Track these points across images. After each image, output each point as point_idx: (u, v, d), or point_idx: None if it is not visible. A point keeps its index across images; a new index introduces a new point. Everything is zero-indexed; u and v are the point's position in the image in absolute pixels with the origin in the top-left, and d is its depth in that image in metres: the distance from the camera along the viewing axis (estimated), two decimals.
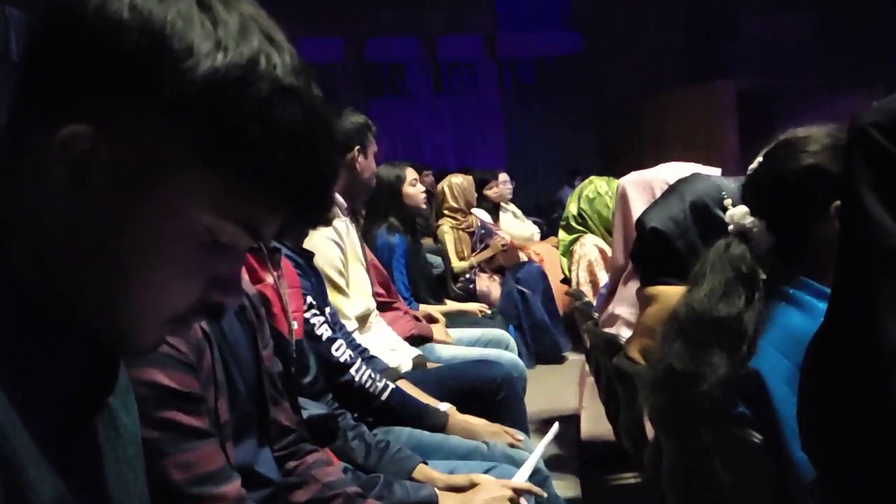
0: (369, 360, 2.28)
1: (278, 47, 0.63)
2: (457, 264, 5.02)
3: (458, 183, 5.13)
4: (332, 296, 2.35)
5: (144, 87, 0.59)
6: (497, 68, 10.71)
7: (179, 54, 0.59)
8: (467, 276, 5.02)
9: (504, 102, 10.79)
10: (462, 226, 5.15)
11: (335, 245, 2.46)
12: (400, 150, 10.04)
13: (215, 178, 0.61)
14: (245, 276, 1.33)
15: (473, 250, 5.16)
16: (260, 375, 1.27)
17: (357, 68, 9.90)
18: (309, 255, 2.06)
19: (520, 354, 4.72)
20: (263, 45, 0.62)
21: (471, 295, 4.83)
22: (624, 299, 2.36)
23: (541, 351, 4.92)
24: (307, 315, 1.94)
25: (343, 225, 2.54)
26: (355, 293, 2.60)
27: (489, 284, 5.02)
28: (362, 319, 2.64)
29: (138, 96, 0.59)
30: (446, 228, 5.08)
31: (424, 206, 3.90)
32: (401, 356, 2.67)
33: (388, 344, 2.70)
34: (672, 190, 2.03)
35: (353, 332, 2.41)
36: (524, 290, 5.04)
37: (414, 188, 3.76)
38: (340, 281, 2.48)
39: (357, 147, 2.44)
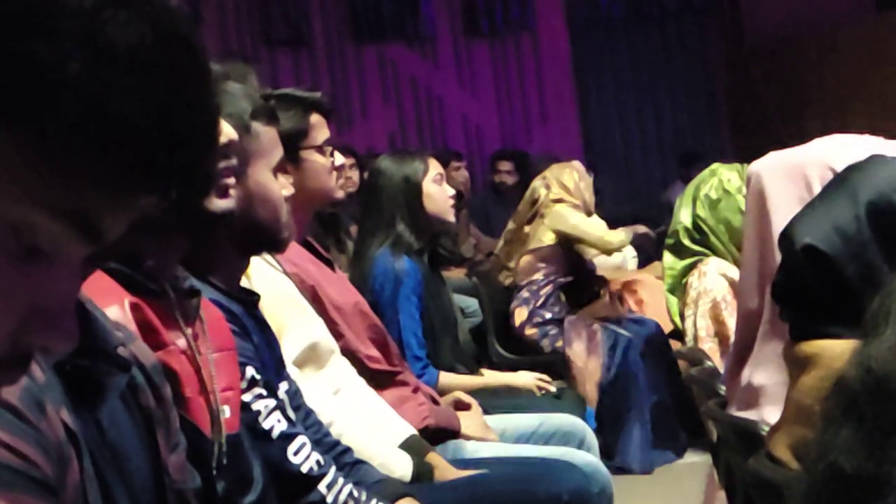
0: (352, 467, 2.29)
1: None
2: (609, 236, 5.36)
3: (570, 174, 5.46)
4: None
5: None
6: None
7: None
8: (550, 332, 5.21)
9: (576, 49, 10.73)
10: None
11: None
12: (412, 129, 10.07)
13: (18, 141, 0.61)
14: (137, 336, 1.34)
15: None
16: (162, 495, 1.26)
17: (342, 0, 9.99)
18: (250, 301, 2.08)
19: (620, 455, 4.83)
20: None
21: (557, 360, 5.01)
22: (766, 361, 2.37)
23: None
24: (247, 397, 1.95)
25: None
26: (284, 318, 2.58)
27: (580, 340, 5.13)
28: (311, 361, 2.64)
29: None
30: (562, 208, 5.33)
31: (452, 218, 3.95)
32: (381, 443, 2.65)
33: (359, 419, 2.71)
34: (838, 183, 2.03)
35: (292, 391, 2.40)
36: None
37: (438, 187, 3.81)
38: None
39: None
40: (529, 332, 5.27)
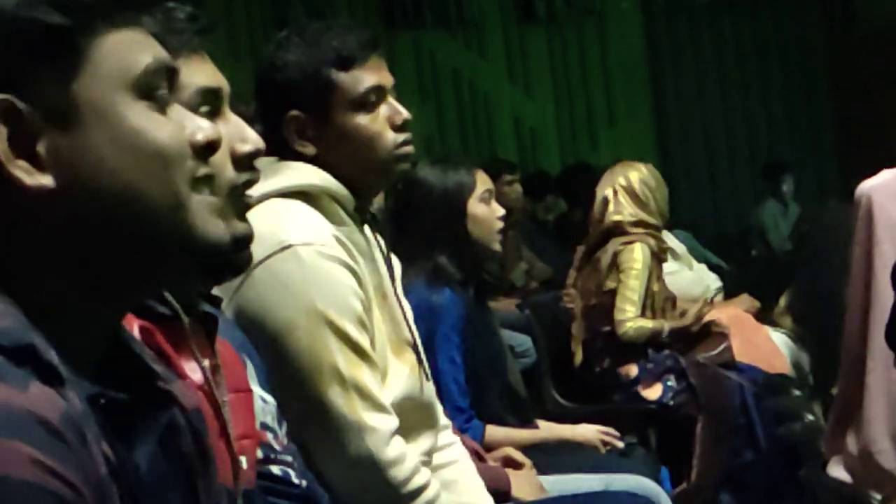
0: None
1: None
2: (635, 322, 5.16)
3: (640, 178, 5.37)
4: (353, 368, 2.48)
5: None
6: None
7: None
8: (669, 383, 5.19)
9: (650, 40, 10.79)
10: (663, 253, 5.45)
11: (344, 269, 2.51)
12: (453, 132, 10.03)
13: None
14: (176, 377, 1.39)
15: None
16: None
17: None
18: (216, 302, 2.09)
19: None
20: None
21: (628, 410, 5.16)
22: (878, 416, 2.59)
23: None
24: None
25: (349, 232, 2.58)
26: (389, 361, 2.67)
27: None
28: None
29: None
30: (639, 251, 5.18)
31: (499, 245, 3.99)
32: None
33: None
34: None
35: (392, 435, 2.48)
36: None
37: (487, 207, 3.88)
38: (361, 338, 2.53)
39: None
40: (649, 392, 5.17)
